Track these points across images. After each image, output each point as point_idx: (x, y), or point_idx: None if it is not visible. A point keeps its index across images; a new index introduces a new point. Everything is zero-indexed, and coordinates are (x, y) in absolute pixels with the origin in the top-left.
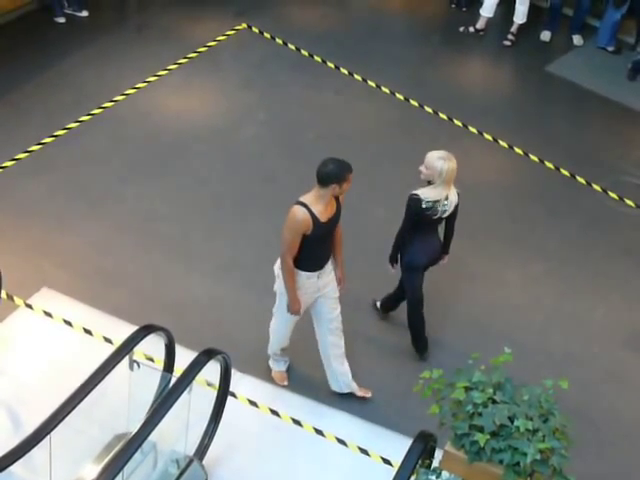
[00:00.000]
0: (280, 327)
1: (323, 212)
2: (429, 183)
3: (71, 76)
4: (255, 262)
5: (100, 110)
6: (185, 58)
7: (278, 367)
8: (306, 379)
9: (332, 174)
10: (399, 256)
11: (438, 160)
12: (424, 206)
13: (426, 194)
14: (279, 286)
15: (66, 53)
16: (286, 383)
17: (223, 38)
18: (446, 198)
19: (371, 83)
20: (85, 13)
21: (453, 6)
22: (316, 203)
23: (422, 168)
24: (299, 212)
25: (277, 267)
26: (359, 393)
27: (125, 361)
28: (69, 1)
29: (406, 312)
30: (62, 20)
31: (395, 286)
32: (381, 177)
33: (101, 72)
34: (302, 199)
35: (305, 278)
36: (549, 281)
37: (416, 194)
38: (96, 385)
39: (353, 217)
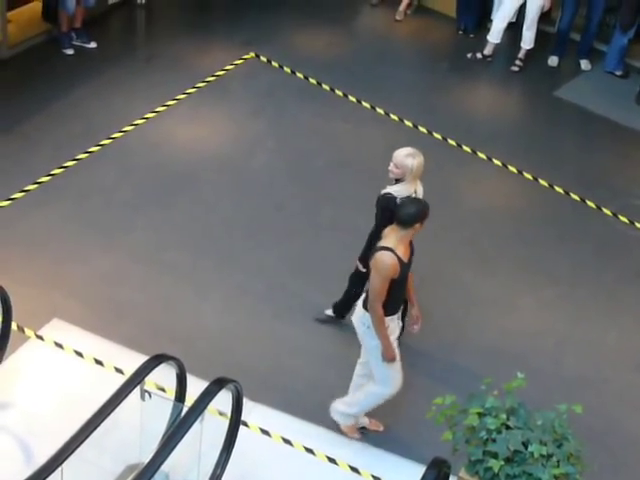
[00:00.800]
0: (383, 390)
1: (405, 253)
2: (397, 181)
3: (80, 107)
4: (266, 290)
5: (109, 141)
6: (194, 88)
7: (349, 421)
8: (318, 407)
9: (416, 214)
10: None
11: (407, 157)
12: (398, 203)
13: (399, 191)
14: (368, 339)
15: (75, 84)
16: (358, 436)
17: (231, 67)
18: (415, 192)
19: (380, 110)
20: (93, 44)
21: (460, 32)
22: (399, 245)
23: (392, 167)
24: (387, 257)
25: (359, 321)
26: (371, 427)
27: (137, 391)
28: (77, 33)
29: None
30: (71, 52)
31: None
32: None
33: (110, 103)
34: (384, 244)
35: (389, 321)
36: (561, 305)
37: (389, 193)
38: (108, 416)
39: (361, 244)
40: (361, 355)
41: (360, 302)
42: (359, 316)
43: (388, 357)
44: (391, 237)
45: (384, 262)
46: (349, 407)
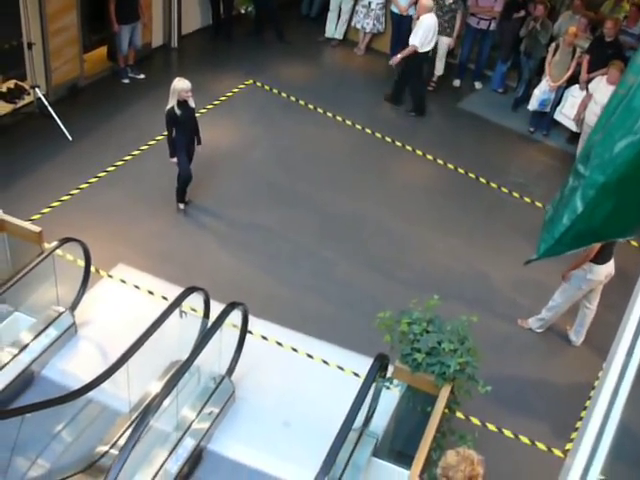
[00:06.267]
0: None
1: None
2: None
3: (134, 119)
4: (262, 242)
5: (154, 142)
6: (211, 104)
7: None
8: (301, 320)
9: None
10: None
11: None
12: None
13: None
14: None
15: (130, 104)
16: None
17: (236, 90)
18: (174, 106)
19: (339, 118)
20: (142, 76)
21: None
22: None
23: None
24: None
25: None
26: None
27: (176, 312)
28: (131, 68)
29: None
30: (127, 81)
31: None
32: (347, 182)
33: (155, 116)
34: None
35: None
36: (463, 249)
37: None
38: (157, 328)
39: (325, 208)
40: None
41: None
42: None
43: None
44: None
45: None
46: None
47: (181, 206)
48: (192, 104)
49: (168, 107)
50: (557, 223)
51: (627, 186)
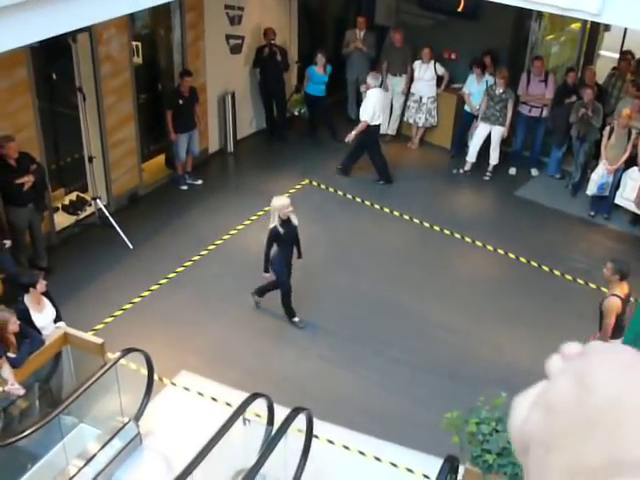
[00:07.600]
0: None
1: None
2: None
3: (193, 224)
4: (327, 346)
5: (214, 246)
6: (269, 207)
7: None
8: (366, 421)
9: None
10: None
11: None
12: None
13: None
14: None
15: (189, 209)
16: None
17: (293, 191)
18: (275, 223)
19: (396, 213)
20: (200, 181)
21: (452, 156)
22: None
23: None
24: None
25: None
26: None
27: (240, 419)
28: (189, 174)
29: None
30: (185, 187)
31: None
32: (408, 278)
33: (212, 220)
34: None
35: None
36: (529, 341)
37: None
38: (221, 437)
39: (386, 303)
40: None
41: None
42: None
43: None
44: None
45: None
46: None
47: (296, 319)
48: (295, 221)
49: (271, 226)
50: None
51: None
